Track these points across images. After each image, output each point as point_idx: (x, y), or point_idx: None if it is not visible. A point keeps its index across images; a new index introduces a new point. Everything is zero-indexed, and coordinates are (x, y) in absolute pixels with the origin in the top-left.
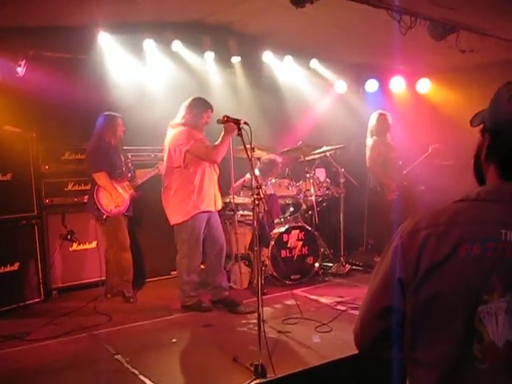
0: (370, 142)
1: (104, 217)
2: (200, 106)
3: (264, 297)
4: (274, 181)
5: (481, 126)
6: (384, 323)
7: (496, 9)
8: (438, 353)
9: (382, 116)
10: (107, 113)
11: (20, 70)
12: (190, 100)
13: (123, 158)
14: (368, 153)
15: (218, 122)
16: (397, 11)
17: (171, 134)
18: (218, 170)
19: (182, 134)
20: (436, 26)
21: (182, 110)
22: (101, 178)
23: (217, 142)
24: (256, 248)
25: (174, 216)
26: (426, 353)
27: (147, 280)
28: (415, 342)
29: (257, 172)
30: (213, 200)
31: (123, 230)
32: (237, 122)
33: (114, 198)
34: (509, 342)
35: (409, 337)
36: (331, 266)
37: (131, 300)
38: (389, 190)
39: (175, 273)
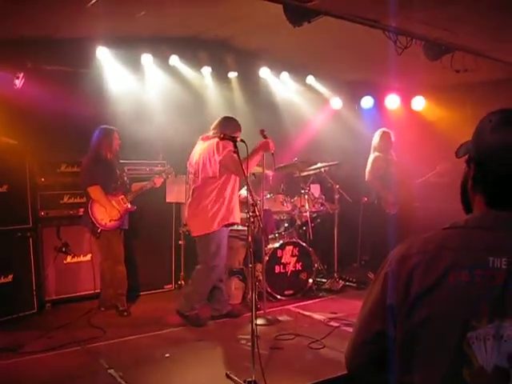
0: (371, 157)
1: (99, 230)
2: (233, 126)
3: (258, 312)
4: (268, 196)
5: (466, 156)
6: (374, 348)
7: (491, 31)
8: (427, 377)
9: (385, 134)
10: (104, 126)
11: (18, 83)
12: (222, 118)
13: (119, 172)
14: (368, 167)
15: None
16: (393, 32)
17: (204, 145)
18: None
19: (216, 144)
20: (431, 46)
21: (215, 127)
22: (95, 191)
23: (247, 156)
24: (251, 265)
25: (202, 227)
26: (415, 377)
27: (141, 293)
28: (405, 366)
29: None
30: (238, 213)
31: (118, 244)
32: (233, 139)
33: (109, 211)
34: (497, 367)
35: (399, 361)
36: (325, 282)
37: (125, 313)
38: (387, 204)
39: (168, 287)
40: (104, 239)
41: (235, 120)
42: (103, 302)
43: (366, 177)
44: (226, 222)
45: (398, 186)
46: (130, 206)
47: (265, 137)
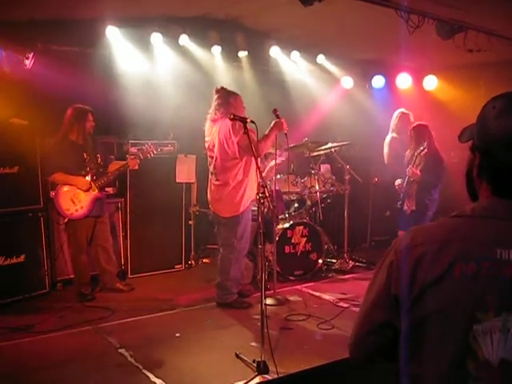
0: (388, 138)
1: (65, 220)
2: (233, 94)
3: (268, 292)
4: (279, 176)
5: (470, 143)
6: (378, 338)
7: (506, 9)
8: (432, 369)
9: (403, 115)
10: (76, 106)
11: (28, 63)
12: (219, 93)
13: (88, 156)
14: (385, 149)
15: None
16: (404, 11)
17: (217, 127)
18: None
19: (232, 125)
20: (443, 25)
21: (217, 104)
22: (56, 178)
23: (263, 137)
24: (260, 246)
25: (230, 209)
26: (420, 368)
27: (152, 273)
28: (410, 357)
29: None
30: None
31: (81, 232)
32: (243, 120)
33: (75, 199)
34: (503, 360)
35: (405, 353)
36: (335, 262)
37: (88, 298)
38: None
39: (179, 267)
40: (70, 228)
41: (227, 89)
42: (103, 284)
43: (385, 159)
44: (249, 202)
45: None
46: (98, 192)
47: (278, 116)
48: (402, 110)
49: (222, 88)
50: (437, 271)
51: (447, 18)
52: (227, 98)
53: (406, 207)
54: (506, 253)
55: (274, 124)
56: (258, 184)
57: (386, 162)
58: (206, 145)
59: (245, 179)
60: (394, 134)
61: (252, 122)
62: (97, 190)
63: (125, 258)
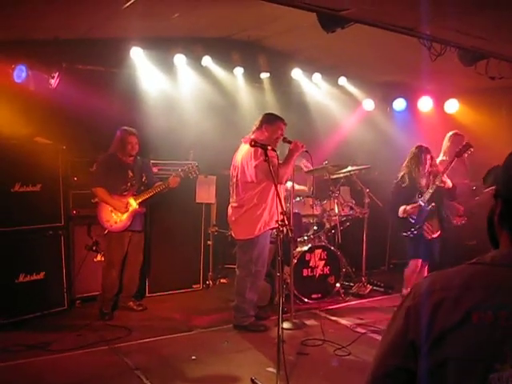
0: (437, 161)
1: (105, 232)
2: (272, 120)
3: (285, 315)
4: (298, 199)
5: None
6: (394, 381)
7: None
8: None
9: (456, 137)
10: (123, 128)
11: (53, 82)
12: (261, 116)
13: (133, 174)
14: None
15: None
16: (427, 39)
17: (244, 149)
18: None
19: (254, 149)
20: (465, 52)
21: (254, 126)
22: (98, 193)
23: (282, 163)
24: (279, 274)
25: (243, 231)
26: None
27: (170, 292)
28: None
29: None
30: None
31: (116, 247)
32: (263, 146)
33: (115, 213)
34: None
35: None
36: (352, 286)
37: (106, 317)
38: (453, 214)
39: (196, 286)
40: (107, 241)
41: (275, 114)
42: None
43: None
44: (268, 228)
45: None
46: (138, 207)
47: (289, 142)
48: (455, 131)
49: (267, 113)
50: (455, 318)
51: (469, 46)
52: (262, 124)
53: (426, 233)
54: None
55: (290, 149)
56: (278, 211)
57: None
58: (233, 163)
59: (262, 204)
60: (444, 157)
61: (273, 150)
62: (136, 205)
63: (144, 277)
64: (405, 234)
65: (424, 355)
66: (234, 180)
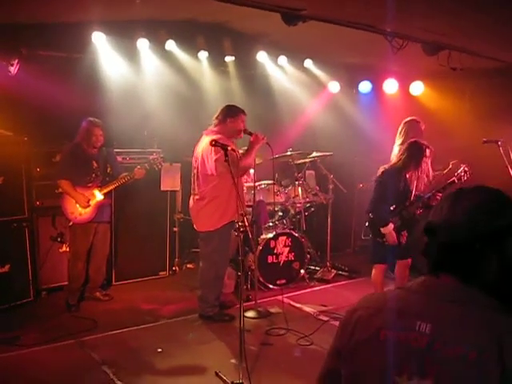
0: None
1: (70, 224)
2: (235, 112)
3: (249, 303)
4: (263, 186)
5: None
6: (331, 381)
7: (489, 35)
8: None
9: (413, 123)
10: (88, 119)
11: (12, 70)
12: (222, 108)
13: (97, 164)
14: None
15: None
16: (389, 34)
17: (205, 141)
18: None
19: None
20: (427, 44)
21: (215, 118)
22: (63, 185)
23: (243, 155)
24: (239, 273)
25: (205, 224)
26: None
27: (136, 280)
28: None
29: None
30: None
31: (81, 239)
32: (223, 146)
33: (79, 205)
34: None
35: None
36: (318, 270)
37: (73, 309)
38: None
39: (163, 273)
40: (72, 232)
41: (236, 106)
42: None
43: None
44: (228, 220)
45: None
46: (103, 198)
47: (250, 133)
48: (412, 118)
49: (229, 105)
50: (367, 334)
51: (431, 41)
52: (226, 117)
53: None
54: (424, 326)
55: (250, 142)
56: (239, 211)
57: None
58: (195, 155)
59: (223, 196)
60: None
61: (248, 133)
62: (102, 196)
63: (110, 266)
64: (379, 239)
65: (344, 362)
66: (195, 171)
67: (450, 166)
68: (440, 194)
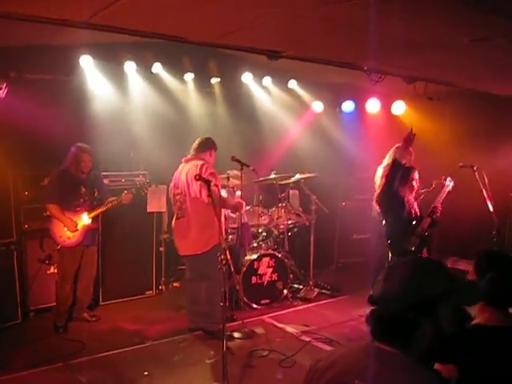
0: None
1: (58, 247)
2: (214, 146)
3: (233, 323)
4: (247, 208)
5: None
6: None
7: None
8: None
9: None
10: (77, 144)
11: (1, 93)
12: (199, 140)
13: (86, 189)
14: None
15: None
16: (367, 70)
17: (188, 166)
18: None
19: (199, 166)
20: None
21: (195, 149)
22: (51, 209)
23: (225, 200)
24: (222, 304)
25: (193, 247)
26: None
27: (123, 299)
28: None
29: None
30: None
31: (69, 262)
32: (207, 182)
33: (67, 228)
34: None
35: None
36: (301, 289)
37: (60, 330)
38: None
39: (149, 293)
40: (60, 255)
41: (210, 140)
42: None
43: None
44: (215, 243)
45: None
46: (91, 222)
47: (237, 161)
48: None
49: (207, 139)
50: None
51: (407, 75)
52: (206, 151)
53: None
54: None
55: (236, 205)
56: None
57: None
58: (172, 183)
59: (207, 219)
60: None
61: (215, 185)
62: (90, 220)
63: (97, 286)
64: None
65: None
66: (178, 197)
67: (433, 186)
68: (440, 207)
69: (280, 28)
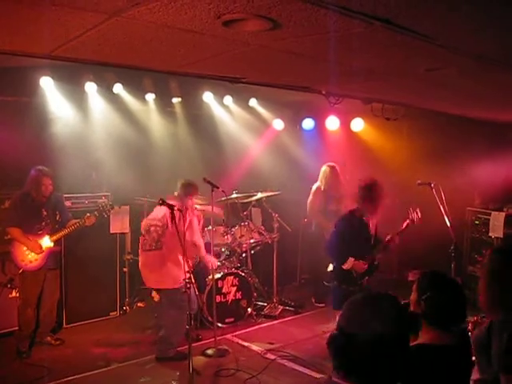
0: (314, 187)
1: (20, 271)
2: (188, 190)
3: (198, 343)
4: (210, 227)
5: None
6: None
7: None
8: None
9: (329, 168)
10: (37, 167)
11: None
12: (183, 184)
13: (47, 212)
14: (310, 197)
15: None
16: (325, 95)
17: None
18: None
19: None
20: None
21: (178, 192)
22: (12, 233)
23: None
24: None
25: (166, 281)
26: None
27: (87, 321)
28: None
29: None
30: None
31: (31, 285)
32: (170, 207)
33: (29, 252)
34: None
35: None
36: (265, 306)
37: (24, 355)
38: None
39: (114, 314)
40: (21, 279)
41: (193, 185)
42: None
43: (308, 207)
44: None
45: None
46: (53, 245)
47: (209, 182)
48: (330, 163)
49: (189, 184)
50: None
51: (365, 97)
52: (187, 194)
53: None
54: None
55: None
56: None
57: (307, 210)
58: (151, 216)
59: (179, 253)
60: (319, 184)
61: (179, 210)
62: (52, 244)
63: (61, 308)
64: (352, 288)
65: None
66: (154, 229)
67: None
68: (398, 237)
69: (239, 58)
